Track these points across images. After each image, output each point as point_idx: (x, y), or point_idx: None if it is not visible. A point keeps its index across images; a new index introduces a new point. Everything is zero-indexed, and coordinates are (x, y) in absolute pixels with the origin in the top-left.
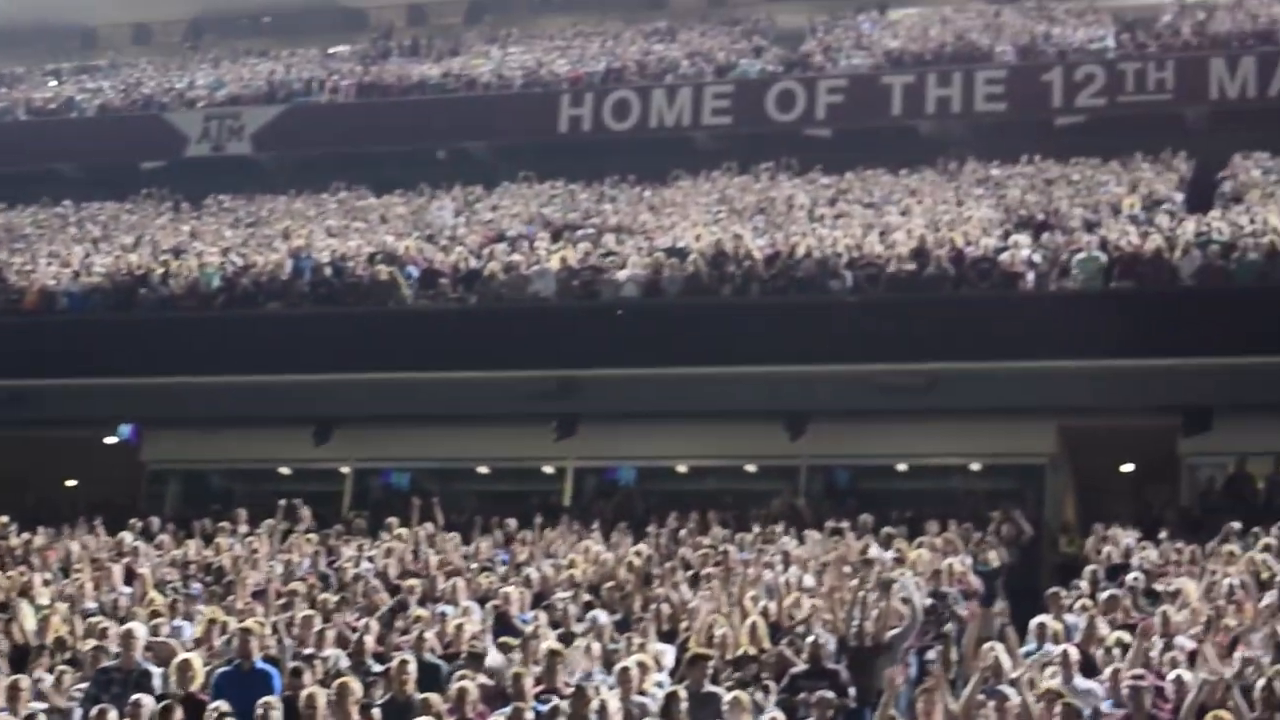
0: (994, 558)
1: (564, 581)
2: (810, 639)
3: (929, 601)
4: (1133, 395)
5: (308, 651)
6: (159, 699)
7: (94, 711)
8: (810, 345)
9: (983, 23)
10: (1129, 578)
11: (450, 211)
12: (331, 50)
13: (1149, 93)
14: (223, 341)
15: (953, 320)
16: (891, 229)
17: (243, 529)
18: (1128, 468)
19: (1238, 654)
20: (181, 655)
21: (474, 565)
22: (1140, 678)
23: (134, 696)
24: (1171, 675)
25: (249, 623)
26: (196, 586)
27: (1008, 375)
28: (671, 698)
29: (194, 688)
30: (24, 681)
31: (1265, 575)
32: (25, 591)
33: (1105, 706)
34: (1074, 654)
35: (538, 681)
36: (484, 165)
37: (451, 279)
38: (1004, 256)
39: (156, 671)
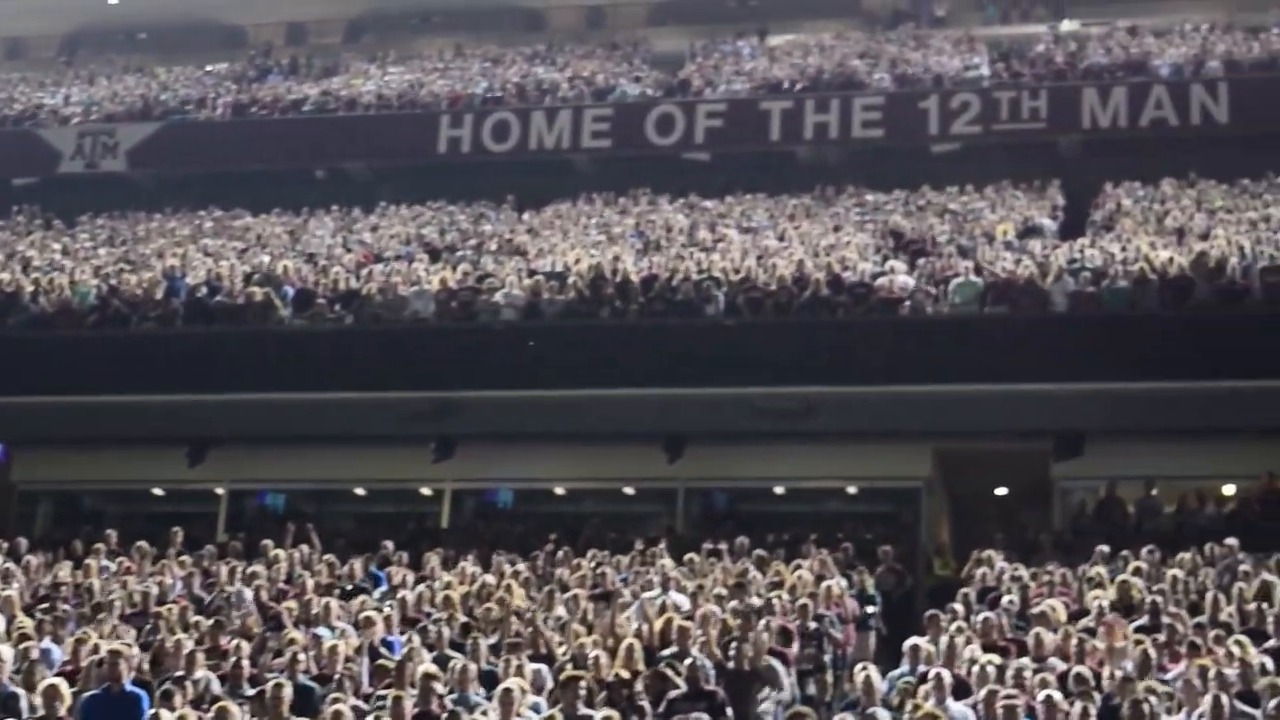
0: (871, 583)
1: (440, 603)
2: (688, 661)
3: (813, 626)
4: (1006, 419)
5: (178, 674)
6: None
7: None
8: (688, 368)
9: (860, 50)
10: (1003, 600)
11: (328, 231)
12: (209, 68)
13: (1023, 121)
14: (95, 361)
15: (829, 344)
16: (769, 253)
17: (113, 550)
18: (1001, 491)
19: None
20: (49, 679)
21: (349, 587)
22: (1012, 698)
23: None
24: (1041, 695)
25: (118, 645)
26: (66, 608)
27: (884, 399)
28: None
29: (62, 712)
30: None
31: (1136, 597)
32: None
33: None
34: (947, 676)
35: (413, 704)
36: (363, 185)
37: (329, 299)
38: (880, 281)
39: (24, 695)
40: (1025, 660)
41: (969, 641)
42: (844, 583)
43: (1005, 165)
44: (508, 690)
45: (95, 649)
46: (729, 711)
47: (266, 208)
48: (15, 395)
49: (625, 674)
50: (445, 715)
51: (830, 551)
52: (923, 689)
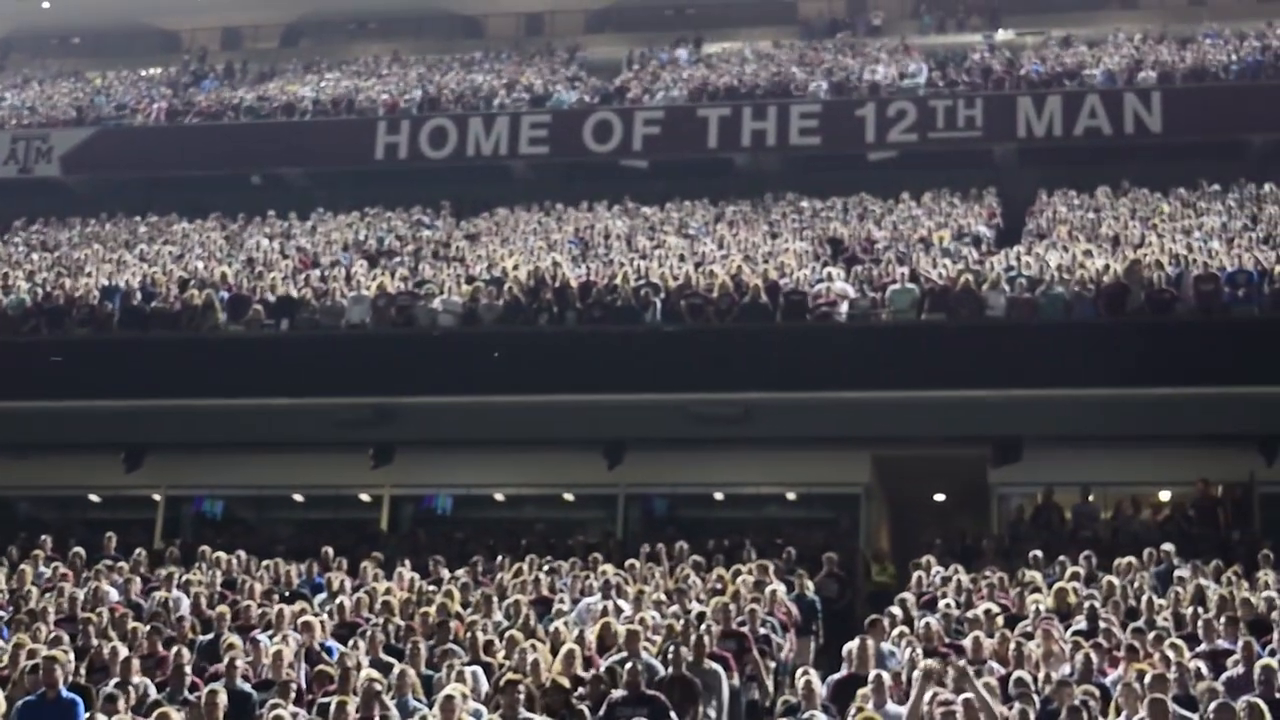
0: (812, 588)
1: (379, 609)
2: (629, 665)
3: (760, 630)
4: (944, 426)
5: (116, 680)
6: None
7: None
8: (628, 374)
9: (797, 57)
10: (941, 605)
11: (265, 237)
12: (144, 73)
13: (959, 130)
14: (30, 366)
15: (768, 351)
16: (707, 260)
17: (49, 556)
18: (940, 497)
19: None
20: None
21: (288, 593)
22: (950, 703)
23: None
24: (962, 697)
25: (54, 651)
26: (0, 614)
27: (822, 405)
28: None
29: None
30: None
31: (1073, 602)
32: None
33: None
34: (887, 679)
35: (355, 710)
36: (299, 191)
37: (266, 305)
38: (818, 288)
39: None
40: (963, 664)
41: (909, 646)
42: (784, 588)
43: (942, 173)
44: (449, 696)
45: (31, 655)
46: (672, 716)
47: (203, 213)
48: None
49: (565, 679)
50: None
51: (771, 557)
52: (862, 692)
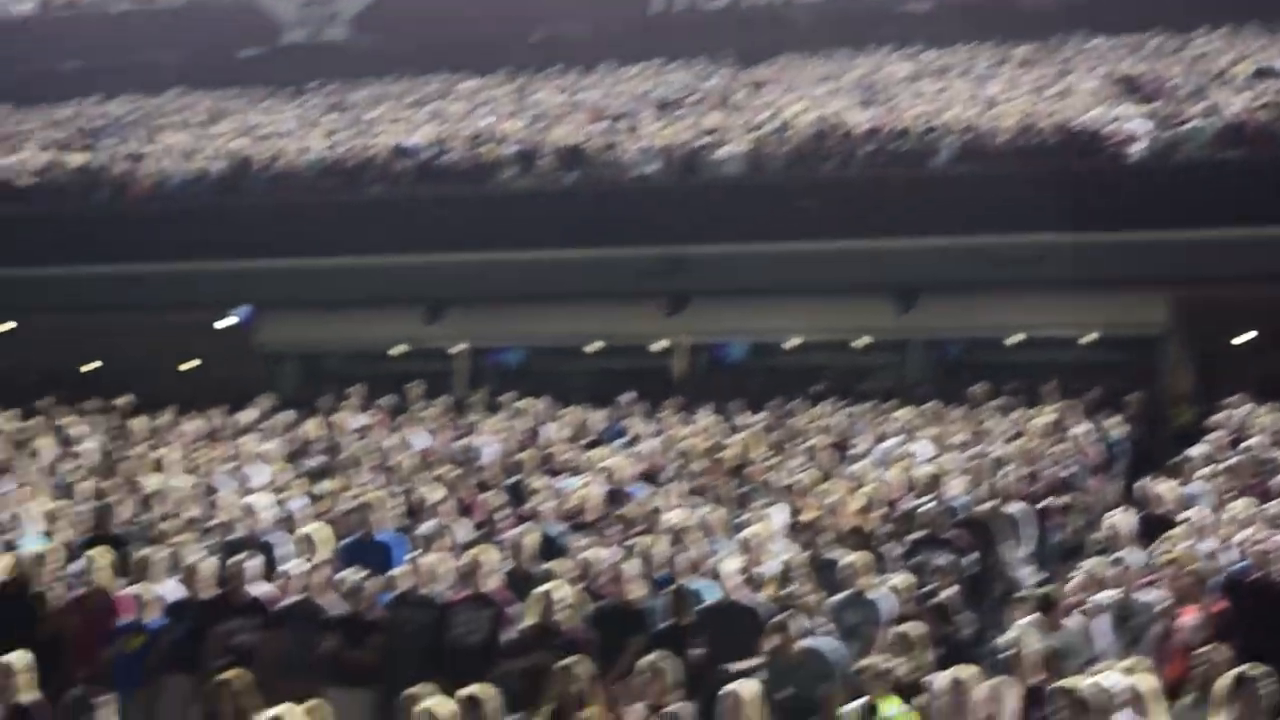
0: (1115, 428)
1: (679, 453)
2: (929, 507)
3: (1066, 473)
4: (1246, 264)
5: (431, 522)
6: None
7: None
8: (918, 218)
9: None
10: (1248, 444)
11: (551, 91)
12: None
13: None
14: (330, 224)
15: (1062, 191)
16: (996, 101)
17: (360, 406)
18: (1244, 337)
19: None
20: (305, 528)
21: (588, 440)
22: (1266, 542)
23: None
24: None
25: (368, 496)
26: (317, 463)
27: (1118, 246)
28: (790, 564)
29: (318, 559)
30: (157, 555)
31: None
32: (153, 469)
33: (1233, 566)
34: (1195, 519)
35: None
36: (581, 46)
37: (555, 159)
38: (1112, 127)
39: (279, 543)
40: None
41: (1216, 486)
42: (1087, 429)
43: (1238, 5)
44: (753, 535)
45: (351, 499)
46: (971, 557)
47: (487, 70)
48: (256, 259)
49: (865, 521)
50: (690, 562)
51: (1072, 399)
52: (1170, 533)
